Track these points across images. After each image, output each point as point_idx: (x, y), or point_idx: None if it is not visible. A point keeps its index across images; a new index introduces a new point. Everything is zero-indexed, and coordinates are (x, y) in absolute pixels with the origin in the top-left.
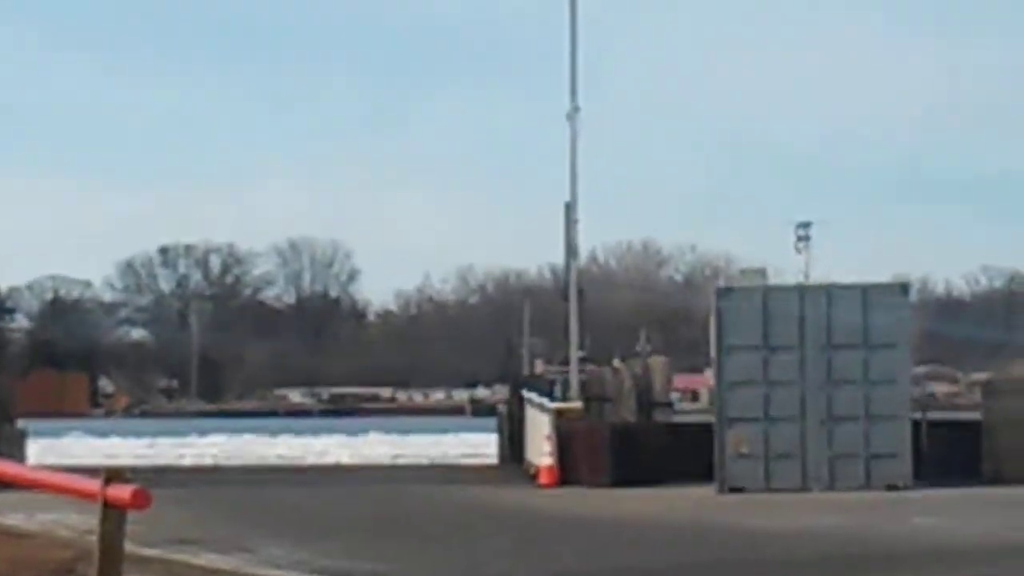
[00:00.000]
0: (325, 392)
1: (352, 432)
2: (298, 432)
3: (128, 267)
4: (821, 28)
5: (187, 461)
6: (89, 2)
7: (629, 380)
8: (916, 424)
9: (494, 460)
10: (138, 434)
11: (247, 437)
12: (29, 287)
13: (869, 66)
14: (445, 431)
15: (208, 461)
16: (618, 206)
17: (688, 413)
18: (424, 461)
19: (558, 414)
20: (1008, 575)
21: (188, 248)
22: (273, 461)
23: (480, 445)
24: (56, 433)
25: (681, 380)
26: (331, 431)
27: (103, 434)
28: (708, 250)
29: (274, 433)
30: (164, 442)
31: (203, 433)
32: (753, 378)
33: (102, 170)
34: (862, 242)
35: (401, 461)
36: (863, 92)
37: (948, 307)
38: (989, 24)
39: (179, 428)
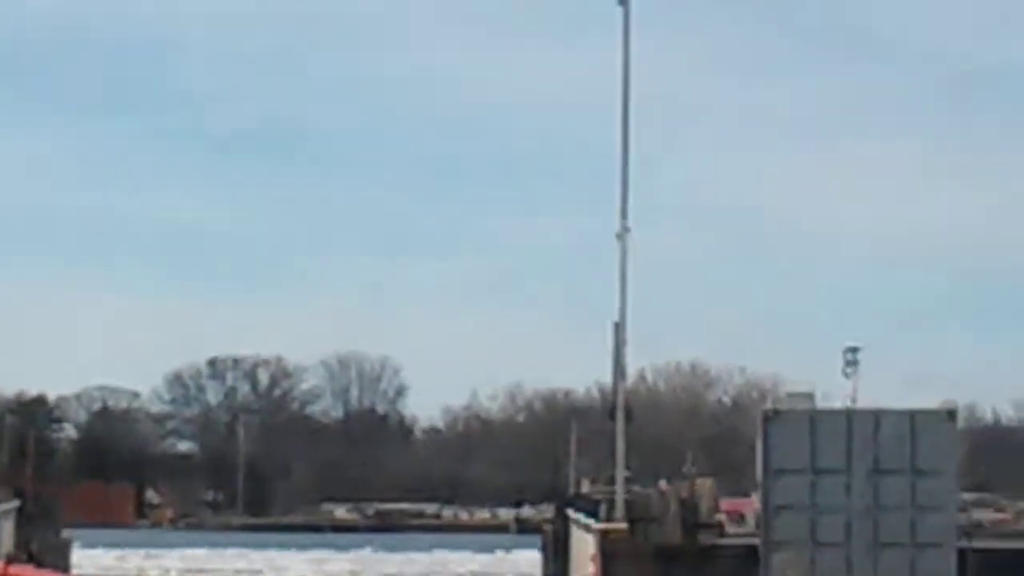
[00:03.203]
0: (371, 508)
1: (391, 548)
2: (342, 548)
3: (176, 379)
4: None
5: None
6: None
7: (675, 501)
8: (962, 552)
9: None
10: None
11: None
12: (77, 397)
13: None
14: (490, 549)
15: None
16: (667, 327)
17: (734, 536)
18: None
19: (603, 534)
20: None
21: (237, 361)
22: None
23: (524, 563)
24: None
25: (727, 503)
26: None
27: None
28: (757, 372)
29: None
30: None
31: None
32: (800, 502)
33: (152, 282)
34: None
35: None
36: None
37: (996, 434)
38: None
39: (219, 541)
